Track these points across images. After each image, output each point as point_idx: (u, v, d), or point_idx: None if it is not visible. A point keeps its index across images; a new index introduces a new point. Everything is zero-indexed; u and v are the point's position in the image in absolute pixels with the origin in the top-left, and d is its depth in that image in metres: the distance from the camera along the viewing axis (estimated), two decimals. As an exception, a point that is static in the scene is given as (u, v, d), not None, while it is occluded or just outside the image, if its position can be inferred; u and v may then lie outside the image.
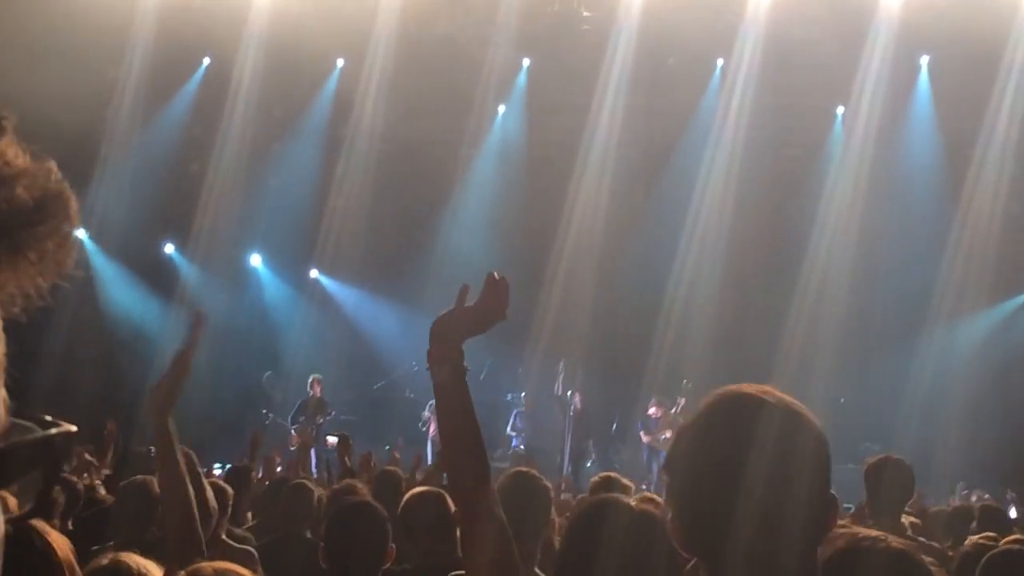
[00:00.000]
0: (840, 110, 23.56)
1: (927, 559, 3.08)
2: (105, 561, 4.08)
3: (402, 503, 6.52)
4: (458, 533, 3.24)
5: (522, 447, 22.45)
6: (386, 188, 24.61)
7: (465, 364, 3.23)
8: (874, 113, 22.47)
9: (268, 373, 23.97)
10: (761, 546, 2.25)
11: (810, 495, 2.31)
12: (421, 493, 6.24)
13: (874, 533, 3.01)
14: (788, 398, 2.41)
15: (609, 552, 2.85)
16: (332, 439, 14.92)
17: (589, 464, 22.73)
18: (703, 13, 21.68)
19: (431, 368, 3.20)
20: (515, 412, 22.90)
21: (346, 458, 11.67)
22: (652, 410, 22.29)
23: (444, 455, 3.38)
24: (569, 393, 22.25)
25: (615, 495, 3.02)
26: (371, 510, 5.41)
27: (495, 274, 3.42)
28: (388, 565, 5.34)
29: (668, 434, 22.12)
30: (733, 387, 2.44)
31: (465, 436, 3.17)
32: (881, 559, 2.88)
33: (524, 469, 6.21)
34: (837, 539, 2.69)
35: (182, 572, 3.22)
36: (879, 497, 7.23)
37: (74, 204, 1.29)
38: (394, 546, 5.33)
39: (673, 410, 22.10)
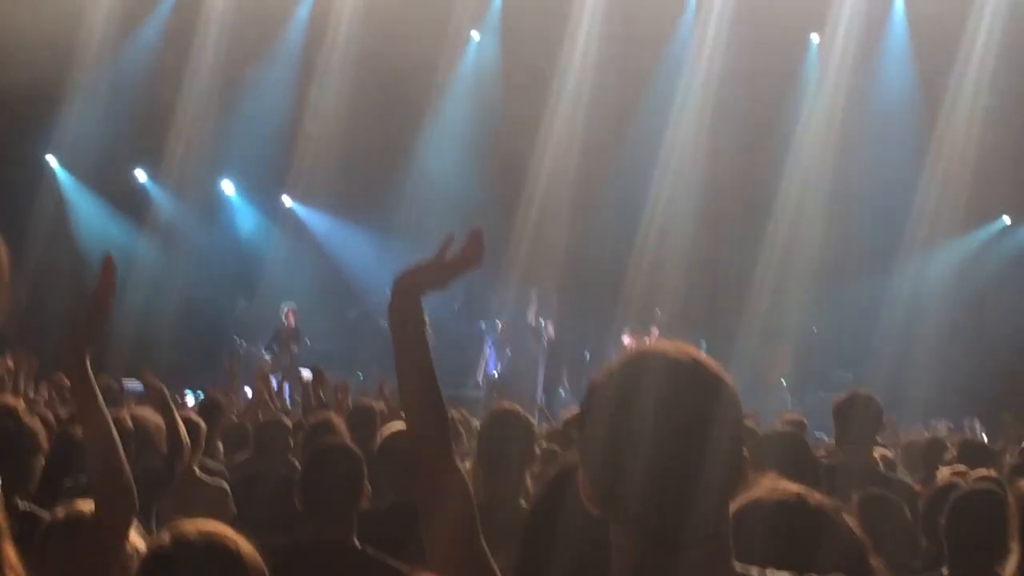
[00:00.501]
0: (815, 38, 23.47)
1: (828, 503, 3.08)
2: (61, 514, 4.07)
3: (379, 442, 6.52)
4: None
5: (497, 375, 22.52)
6: (360, 114, 24.40)
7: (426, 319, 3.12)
8: (850, 41, 22.41)
9: (240, 302, 23.90)
10: (674, 507, 2.24)
11: (727, 458, 2.30)
12: (397, 432, 6.22)
13: (778, 485, 3.01)
14: (708, 360, 2.38)
15: (576, 518, 2.83)
16: (306, 373, 14.87)
17: (563, 394, 22.81)
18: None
19: (390, 325, 3.06)
20: (489, 340, 22.90)
21: (320, 392, 11.61)
22: (626, 339, 22.35)
23: (405, 417, 3.24)
24: (542, 322, 22.29)
25: None
26: (346, 452, 5.40)
27: (473, 229, 3.33)
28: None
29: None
30: (653, 347, 2.40)
31: (424, 399, 3.03)
32: (772, 509, 2.89)
33: (506, 406, 6.21)
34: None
35: (165, 532, 3.20)
36: (848, 433, 7.28)
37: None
38: (369, 486, 5.33)
39: (646, 339, 22.19)
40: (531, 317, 22.27)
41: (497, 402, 14.72)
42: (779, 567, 2.39)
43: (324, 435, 7.60)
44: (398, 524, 5.46)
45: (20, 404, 4.65)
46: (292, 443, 8.70)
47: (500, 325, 23.12)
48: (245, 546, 3.16)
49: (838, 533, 2.98)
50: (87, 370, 3.81)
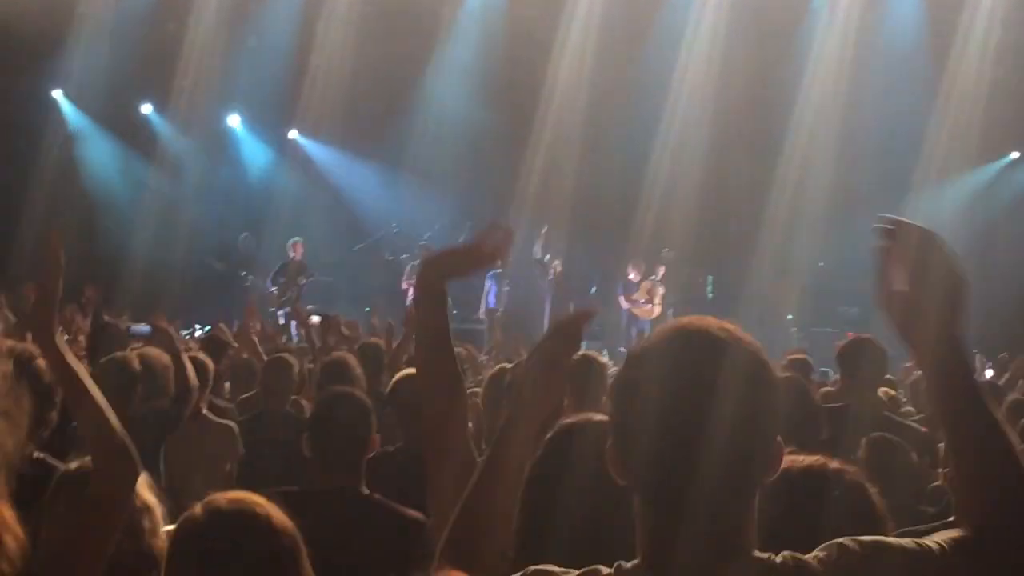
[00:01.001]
0: (825, -28, 23.29)
1: (849, 469, 3.11)
2: (73, 466, 4.10)
3: (390, 384, 6.55)
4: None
5: (500, 310, 22.54)
6: (367, 48, 24.29)
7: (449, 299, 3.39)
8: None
9: (244, 235, 23.88)
10: (706, 488, 2.22)
11: (764, 443, 2.28)
12: (409, 376, 6.24)
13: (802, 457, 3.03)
14: (752, 341, 2.33)
15: (578, 478, 2.84)
16: (315, 319, 14.86)
17: (571, 328, 22.84)
18: None
19: (415, 304, 3.43)
20: (489, 274, 22.81)
21: (328, 337, 11.66)
22: (631, 273, 22.38)
23: (418, 373, 3.53)
24: (548, 257, 22.30)
25: (587, 417, 2.99)
26: (355, 400, 5.41)
27: (502, 223, 3.49)
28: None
29: (646, 298, 22.21)
30: (695, 321, 2.35)
31: (440, 370, 3.34)
32: (799, 478, 2.91)
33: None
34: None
35: (198, 505, 3.23)
36: (853, 376, 7.28)
37: None
38: (378, 436, 5.35)
39: (652, 277, 22.18)
40: (538, 252, 22.25)
41: (497, 336, 14.84)
42: (796, 535, 2.36)
43: (339, 374, 7.75)
44: (406, 468, 5.52)
45: (36, 350, 4.66)
46: (297, 380, 8.72)
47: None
48: (277, 514, 3.19)
49: (857, 502, 3.01)
50: (58, 345, 3.83)
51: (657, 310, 22.09)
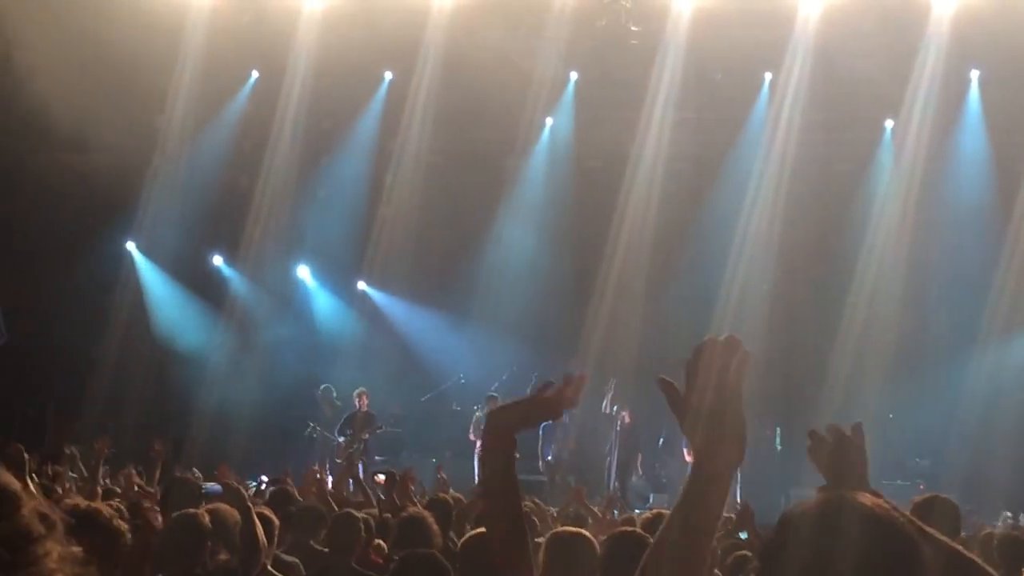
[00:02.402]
0: (890, 124, 23.36)
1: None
2: None
3: (462, 542, 6.55)
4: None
5: (552, 458, 22.31)
6: (434, 200, 24.63)
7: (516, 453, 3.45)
8: (924, 127, 22.29)
9: (324, 386, 23.84)
10: None
11: None
12: (479, 535, 6.23)
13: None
14: (905, 518, 2.40)
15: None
16: (381, 476, 14.85)
17: (635, 479, 22.68)
18: (752, 27, 21.56)
19: (484, 456, 3.51)
20: (543, 426, 22.64)
21: (393, 495, 11.65)
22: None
23: (487, 527, 3.56)
24: (616, 408, 22.20)
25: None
26: (435, 562, 5.48)
27: (577, 374, 3.59)
28: None
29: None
30: (858, 498, 2.40)
31: (508, 517, 3.41)
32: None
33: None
34: None
35: None
36: (927, 536, 7.20)
37: None
38: None
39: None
40: (606, 406, 22.17)
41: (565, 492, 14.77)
42: None
43: (417, 532, 7.92)
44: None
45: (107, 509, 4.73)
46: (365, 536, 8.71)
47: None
48: None
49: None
50: None
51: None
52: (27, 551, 1.53)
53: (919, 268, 22.54)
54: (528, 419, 3.56)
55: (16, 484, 1.59)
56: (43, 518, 1.59)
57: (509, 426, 3.47)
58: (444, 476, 15.11)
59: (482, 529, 6.23)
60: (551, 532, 6.81)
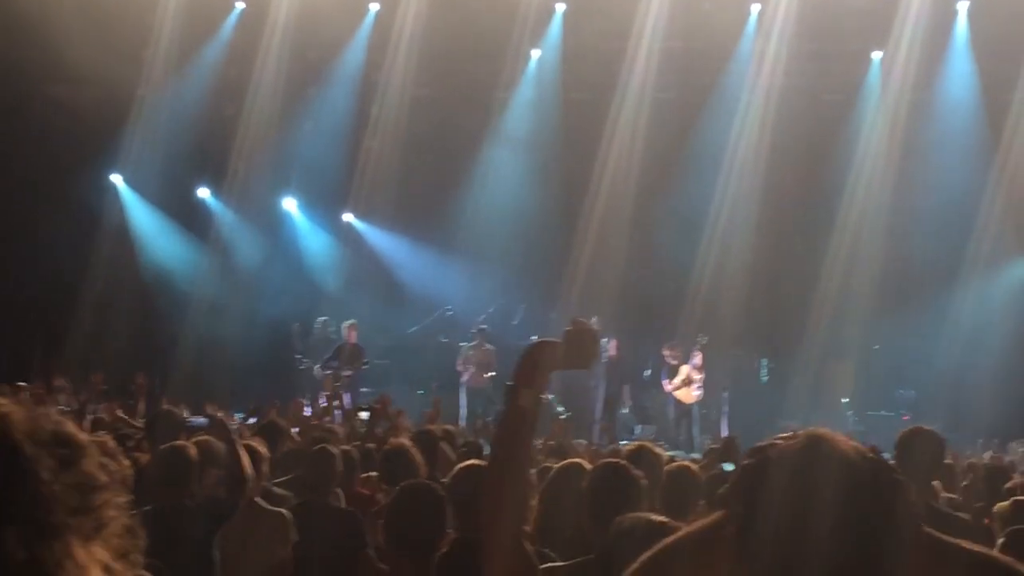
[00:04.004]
0: (877, 55, 23.29)
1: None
2: None
3: (450, 475, 6.57)
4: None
5: (549, 396, 22.39)
6: (420, 132, 24.57)
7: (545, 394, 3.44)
8: (912, 58, 22.19)
9: (296, 324, 23.79)
10: None
11: (894, 567, 2.22)
12: (469, 468, 6.24)
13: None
14: (886, 463, 2.32)
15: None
16: (363, 414, 14.91)
17: (624, 411, 22.76)
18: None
19: (517, 389, 3.27)
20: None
21: (375, 428, 11.72)
22: (669, 357, 22.10)
23: (491, 474, 3.47)
24: (604, 340, 22.22)
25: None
26: (431, 494, 5.53)
27: (585, 321, 3.49)
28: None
29: (679, 382, 21.94)
30: (827, 436, 2.30)
31: (516, 465, 3.32)
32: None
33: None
34: None
35: None
36: (909, 465, 7.24)
37: None
38: (451, 532, 5.45)
39: (689, 362, 21.85)
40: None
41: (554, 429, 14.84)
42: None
43: (402, 465, 7.97)
44: (460, 559, 5.54)
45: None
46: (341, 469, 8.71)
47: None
48: None
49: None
50: None
51: (695, 395, 21.72)
52: (92, 498, 1.67)
53: (905, 199, 22.54)
54: (567, 362, 3.40)
55: (84, 435, 1.72)
56: (105, 468, 1.73)
57: (548, 364, 3.36)
58: (433, 411, 15.12)
59: (472, 462, 6.27)
60: (560, 464, 6.84)
